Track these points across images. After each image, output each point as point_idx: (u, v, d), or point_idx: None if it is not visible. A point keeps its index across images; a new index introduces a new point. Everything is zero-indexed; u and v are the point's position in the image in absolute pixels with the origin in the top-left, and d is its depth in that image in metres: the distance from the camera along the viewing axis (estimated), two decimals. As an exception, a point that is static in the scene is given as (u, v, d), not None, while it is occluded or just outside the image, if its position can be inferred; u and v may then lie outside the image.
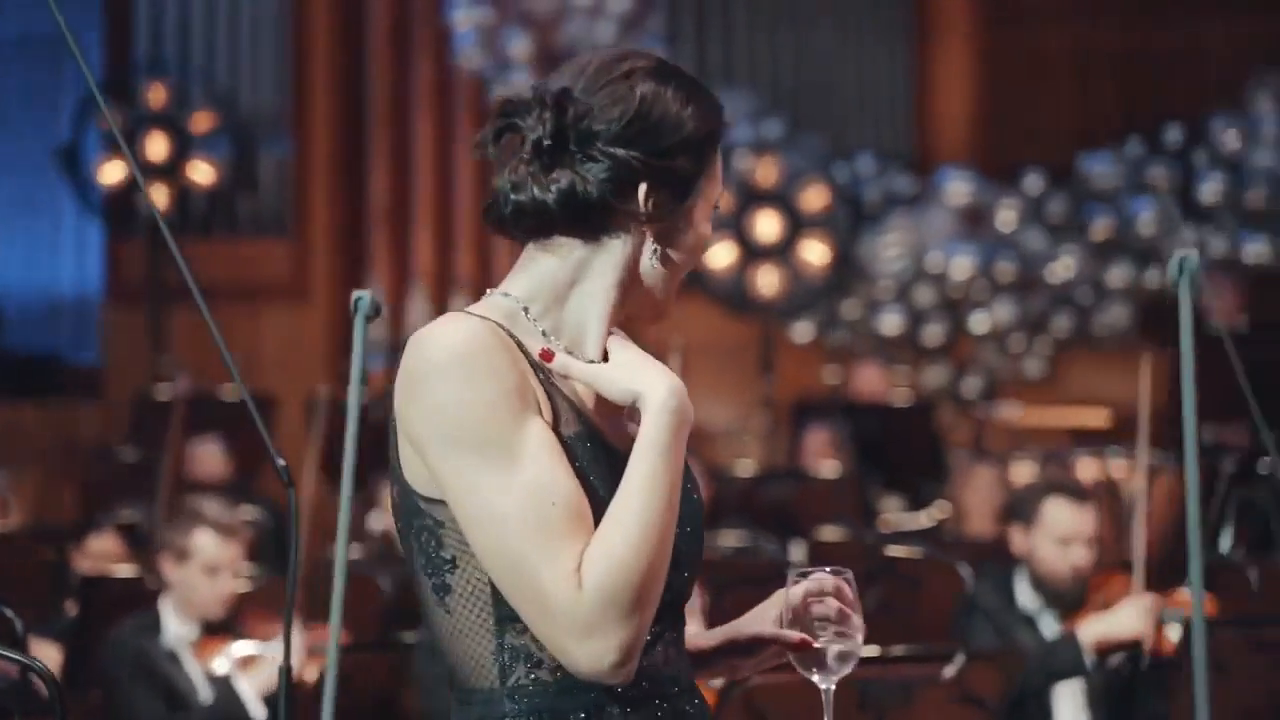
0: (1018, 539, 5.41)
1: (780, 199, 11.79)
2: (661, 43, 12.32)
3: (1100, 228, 11.82)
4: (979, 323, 11.97)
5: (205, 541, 5.45)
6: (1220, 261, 11.42)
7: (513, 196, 2.30)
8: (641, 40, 12.25)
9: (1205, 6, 12.23)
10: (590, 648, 2.14)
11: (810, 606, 2.35)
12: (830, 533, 7.12)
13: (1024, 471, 8.60)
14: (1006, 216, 11.94)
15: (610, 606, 2.13)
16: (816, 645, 2.33)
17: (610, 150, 2.28)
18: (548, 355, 2.25)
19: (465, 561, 2.23)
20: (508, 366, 2.20)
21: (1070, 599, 5.32)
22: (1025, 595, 5.38)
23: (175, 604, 5.49)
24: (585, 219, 2.30)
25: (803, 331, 12.19)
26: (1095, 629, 5.15)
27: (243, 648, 5.44)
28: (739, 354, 11.91)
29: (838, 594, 2.35)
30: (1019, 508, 5.46)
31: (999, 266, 11.85)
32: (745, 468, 9.68)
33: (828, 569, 2.37)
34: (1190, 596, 6.08)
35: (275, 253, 12.27)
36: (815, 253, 11.74)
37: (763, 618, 2.45)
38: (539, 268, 2.33)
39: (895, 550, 6.18)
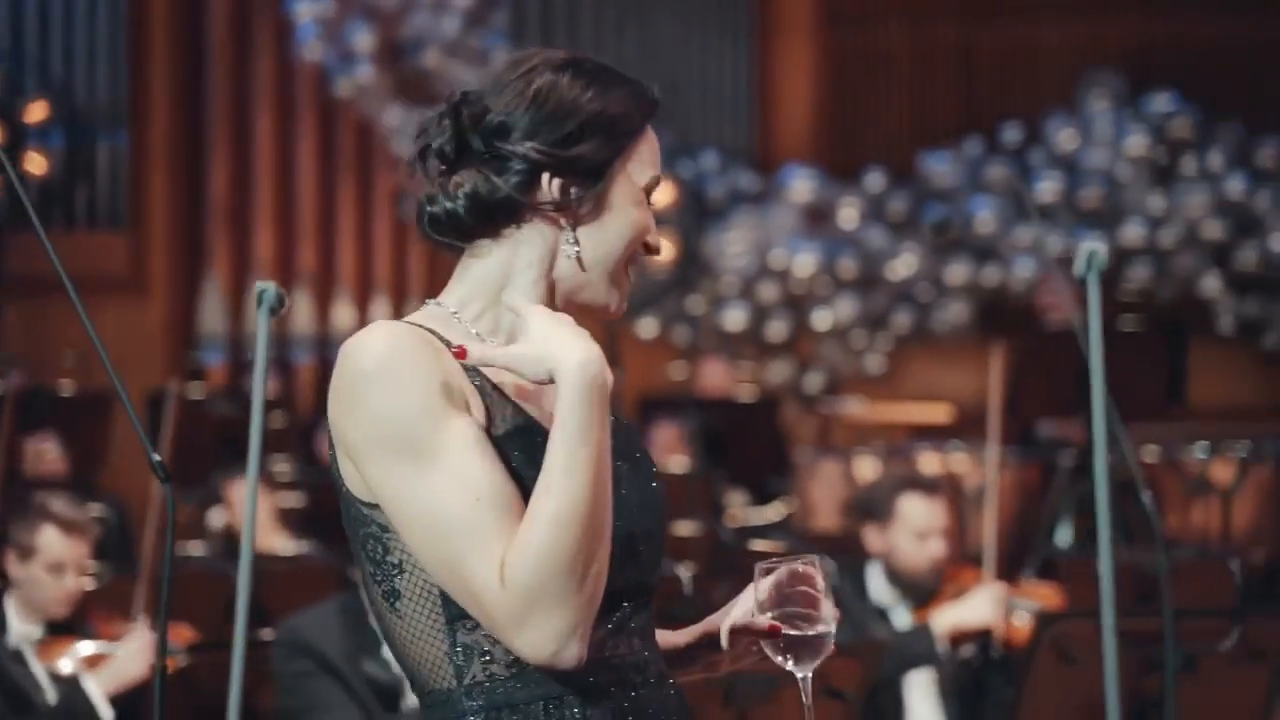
0: (873, 536, 5.46)
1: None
2: (505, 38, 12.29)
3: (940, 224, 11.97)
4: (821, 319, 12.07)
5: (50, 539, 5.32)
6: (1057, 259, 11.60)
7: (428, 209, 2.32)
8: (485, 35, 12.21)
9: (1041, 6, 12.43)
10: (527, 638, 2.12)
11: (781, 595, 2.33)
12: (684, 528, 7.13)
13: (868, 467, 8.68)
14: (848, 214, 12.05)
15: (537, 596, 2.11)
16: (787, 632, 2.32)
17: (509, 147, 2.28)
18: (461, 353, 2.22)
19: (411, 565, 2.22)
20: (431, 369, 2.19)
21: (926, 591, 5.39)
22: (879, 589, 5.43)
23: (18, 603, 5.36)
24: (495, 219, 2.30)
25: (648, 327, 12.22)
26: (948, 618, 5.22)
27: (89, 647, 5.33)
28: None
29: (807, 580, 2.33)
30: (873, 505, 5.51)
31: (841, 263, 11.96)
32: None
33: (795, 557, 2.36)
34: (1033, 587, 6.16)
35: (112, 246, 12.05)
36: (661, 249, 11.75)
37: (734, 611, 2.44)
38: (469, 274, 2.34)
39: (758, 545, 6.21)
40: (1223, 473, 8.83)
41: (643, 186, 2.35)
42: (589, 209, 2.31)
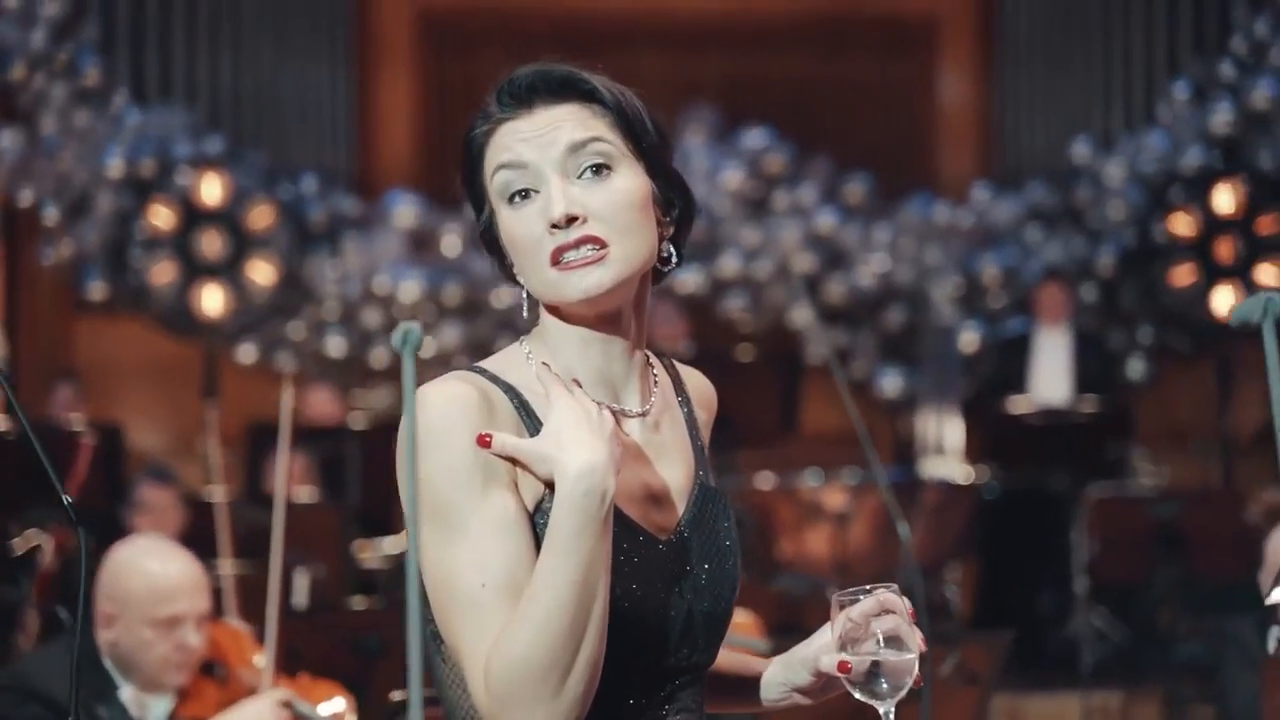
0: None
1: (224, 217, 11.54)
2: (96, 53, 11.89)
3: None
4: (425, 346, 12.00)
5: None
6: (657, 290, 11.82)
7: None
8: (77, 49, 11.77)
9: (638, 40, 12.66)
10: None
11: (862, 627, 2.28)
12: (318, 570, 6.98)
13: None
14: (452, 241, 12.04)
15: (513, 700, 2.09)
16: (861, 664, 2.26)
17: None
18: (483, 441, 2.16)
19: None
20: (476, 436, 2.16)
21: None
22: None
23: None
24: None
25: (247, 353, 11.96)
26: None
27: None
28: (180, 375, 11.60)
29: (889, 609, 2.27)
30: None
31: (446, 290, 11.94)
32: (218, 493, 9.38)
33: (875, 587, 2.29)
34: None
35: None
36: (261, 273, 11.55)
37: (814, 644, 2.41)
38: None
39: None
40: (835, 499, 9.12)
41: (493, 187, 2.31)
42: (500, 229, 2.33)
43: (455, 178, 2.37)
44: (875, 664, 2.26)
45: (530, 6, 12.68)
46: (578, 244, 2.23)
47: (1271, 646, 4.92)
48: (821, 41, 12.57)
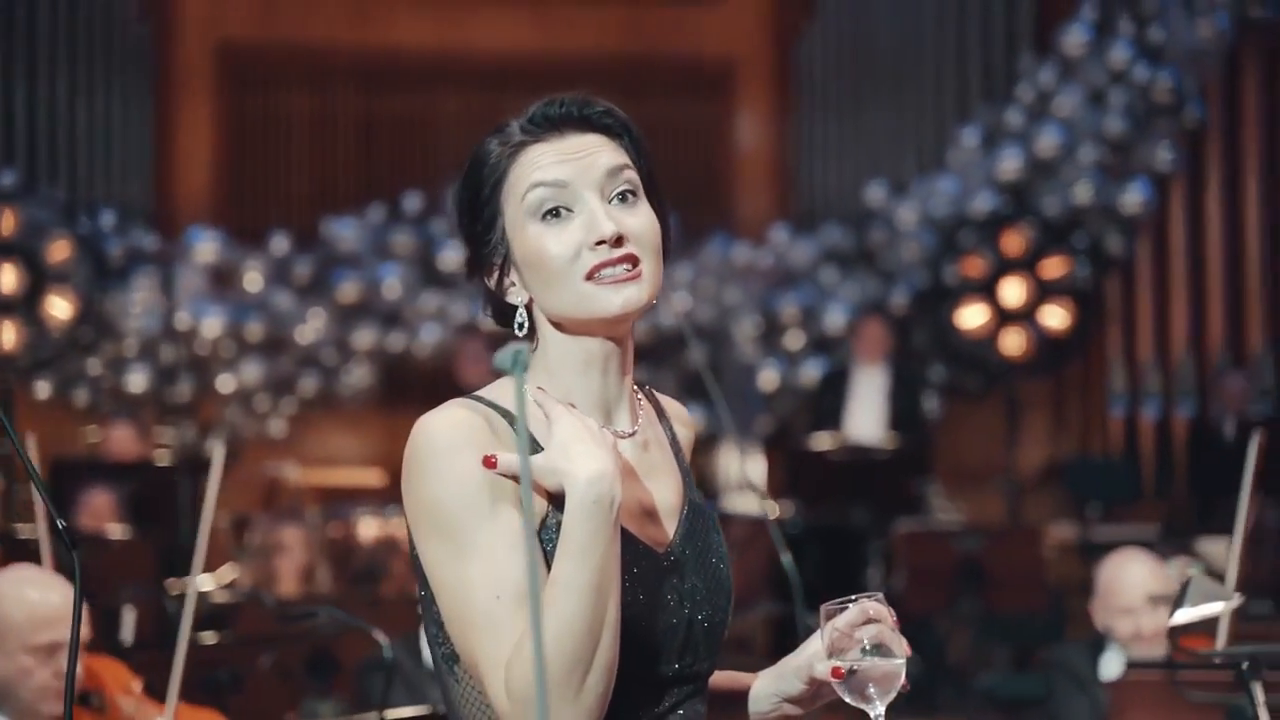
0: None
1: (21, 251, 11.33)
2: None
3: (347, 290, 12.03)
4: (225, 382, 11.91)
5: None
6: (462, 327, 11.88)
7: None
8: None
9: (440, 78, 12.70)
10: None
11: (849, 635, 2.35)
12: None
13: (317, 531, 8.64)
14: (253, 277, 11.96)
15: (530, 706, 2.15)
16: (851, 670, 2.34)
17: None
18: (489, 463, 2.23)
19: None
20: (482, 457, 2.23)
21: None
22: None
23: None
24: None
25: (43, 389, 11.75)
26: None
27: None
28: (-27, 412, 11.33)
29: (875, 618, 2.35)
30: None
31: (248, 326, 11.84)
32: (25, 530, 9.21)
33: (861, 596, 2.37)
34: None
35: None
36: (59, 308, 11.36)
37: (803, 654, 2.48)
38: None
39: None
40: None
41: (522, 204, 2.37)
42: (503, 261, 2.40)
43: (458, 190, 2.43)
44: (865, 670, 2.34)
45: (332, 43, 12.66)
46: (617, 262, 2.32)
47: (1114, 671, 5.13)
48: (622, 82, 12.71)
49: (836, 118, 12.87)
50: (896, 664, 2.35)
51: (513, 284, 2.40)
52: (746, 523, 9.85)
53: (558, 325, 2.38)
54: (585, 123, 2.40)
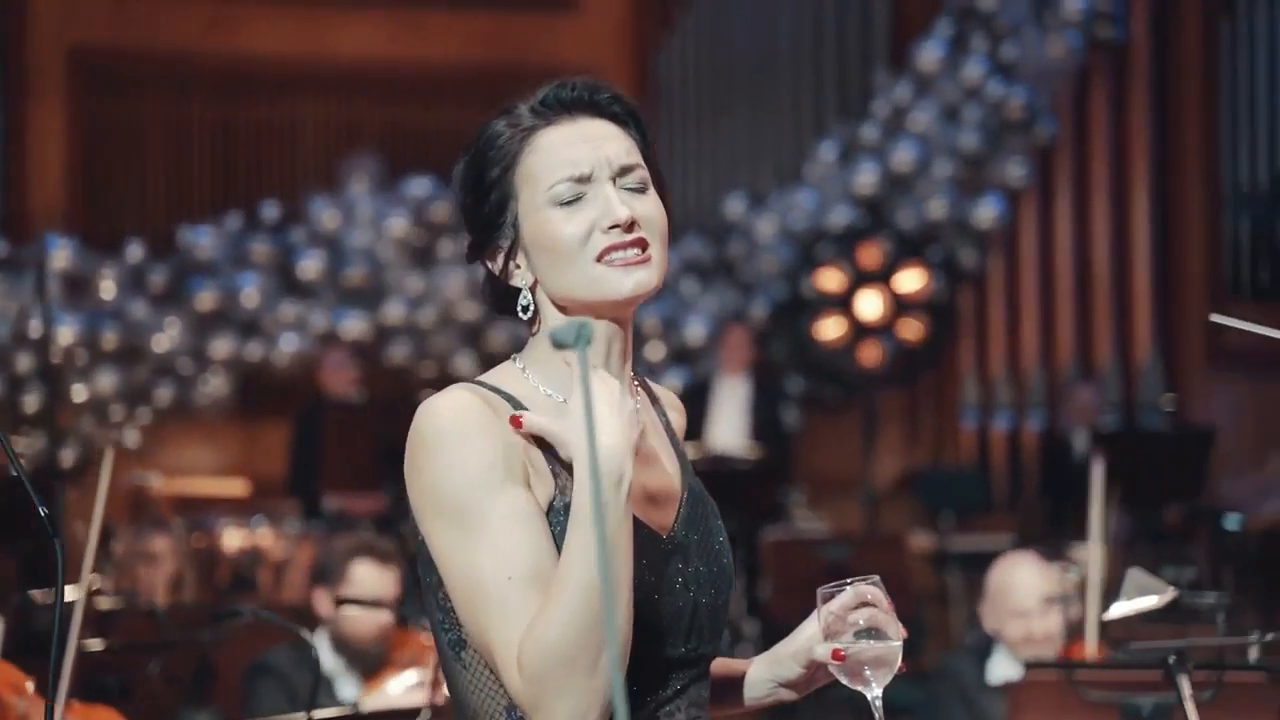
0: (323, 601, 5.45)
1: None
2: None
3: (204, 299, 11.89)
4: (79, 391, 11.72)
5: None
6: (321, 336, 11.79)
7: None
8: None
9: (299, 86, 12.61)
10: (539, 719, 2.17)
11: (846, 617, 2.38)
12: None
13: (183, 541, 8.55)
14: (108, 285, 11.77)
15: (548, 683, 2.15)
16: (850, 653, 2.36)
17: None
18: (516, 422, 2.23)
19: None
20: (492, 441, 2.24)
21: (373, 659, 5.42)
22: (328, 658, 5.41)
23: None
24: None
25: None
26: (376, 700, 5.27)
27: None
28: None
29: (871, 601, 2.39)
30: (326, 570, 5.50)
31: (103, 335, 11.66)
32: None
33: (857, 579, 2.40)
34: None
35: None
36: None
37: (799, 638, 2.49)
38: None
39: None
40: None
41: (546, 189, 2.37)
42: (511, 244, 2.40)
43: (460, 174, 2.46)
44: (861, 652, 2.38)
45: (188, 48, 12.52)
46: (628, 245, 2.34)
47: (1004, 675, 5.20)
48: (484, 92, 12.68)
49: (695, 130, 12.96)
50: (893, 646, 2.38)
51: (518, 267, 2.40)
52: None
53: (562, 308, 2.39)
54: (594, 108, 2.41)
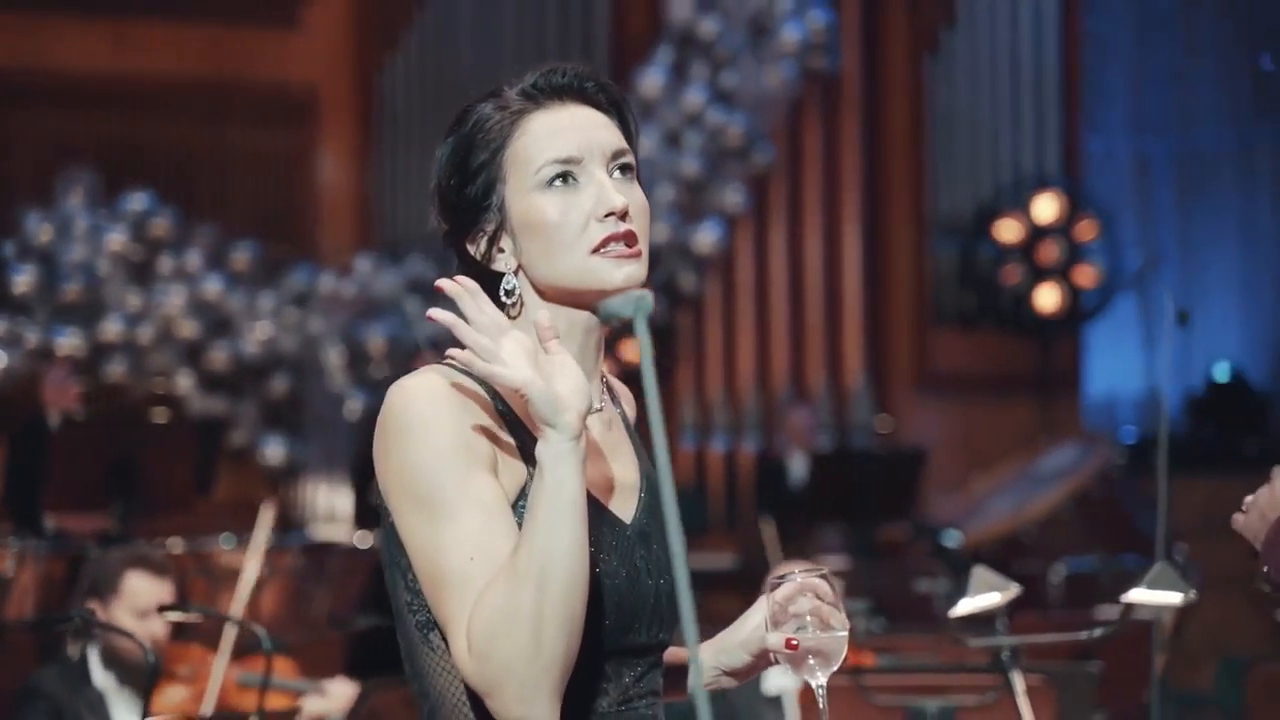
0: (96, 613, 5.32)
1: None
2: None
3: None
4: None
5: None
6: (34, 352, 11.48)
7: None
8: None
9: (12, 96, 12.26)
10: (492, 701, 2.17)
11: (791, 607, 2.38)
12: None
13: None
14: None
15: (490, 660, 2.14)
16: (800, 643, 2.37)
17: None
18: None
19: None
20: (461, 425, 2.24)
21: (147, 674, 5.29)
22: (99, 673, 5.29)
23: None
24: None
25: None
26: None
27: None
28: None
29: (817, 591, 2.39)
30: (99, 581, 5.37)
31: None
32: None
33: (805, 570, 2.40)
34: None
35: None
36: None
37: (745, 627, 2.50)
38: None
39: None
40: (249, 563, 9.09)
41: (534, 171, 2.35)
42: (498, 227, 2.38)
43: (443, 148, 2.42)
44: (806, 642, 2.39)
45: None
46: (622, 237, 2.33)
47: (780, 685, 5.32)
48: (204, 108, 12.53)
49: (419, 150, 12.94)
50: (838, 637, 2.40)
51: (502, 250, 2.38)
52: (342, 553, 9.80)
53: (543, 294, 2.37)
54: (582, 94, 2.41)
